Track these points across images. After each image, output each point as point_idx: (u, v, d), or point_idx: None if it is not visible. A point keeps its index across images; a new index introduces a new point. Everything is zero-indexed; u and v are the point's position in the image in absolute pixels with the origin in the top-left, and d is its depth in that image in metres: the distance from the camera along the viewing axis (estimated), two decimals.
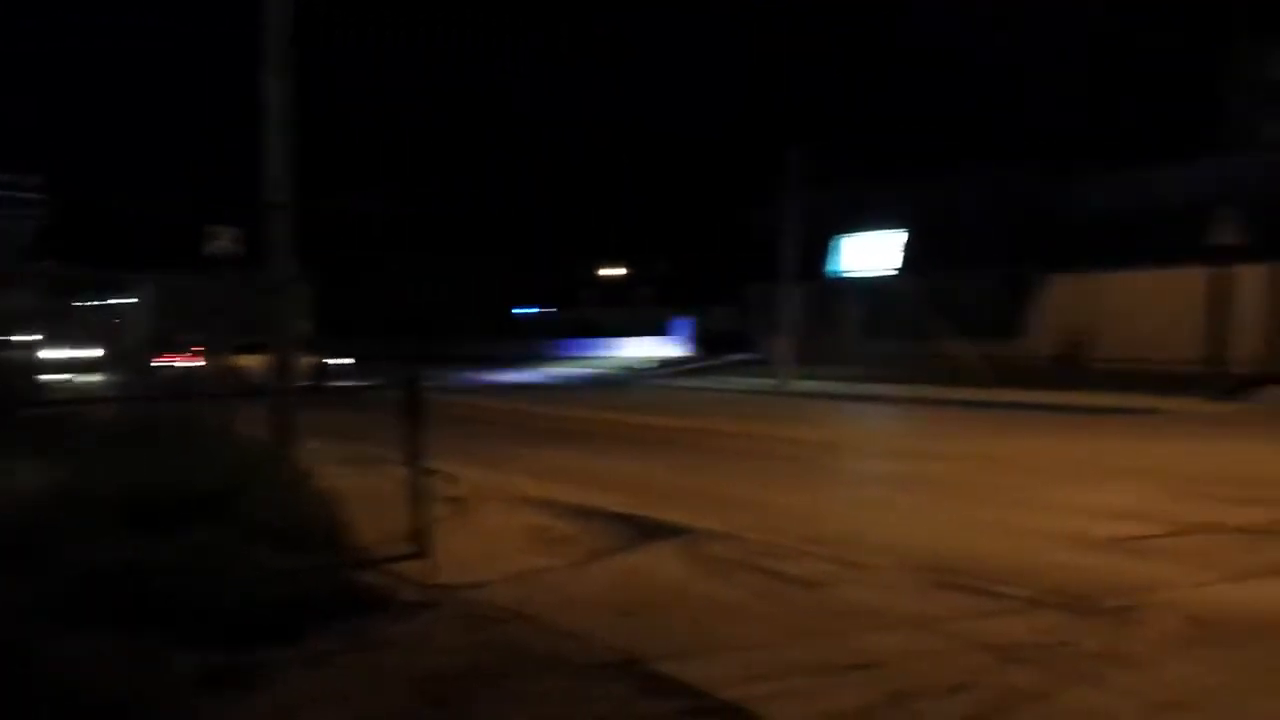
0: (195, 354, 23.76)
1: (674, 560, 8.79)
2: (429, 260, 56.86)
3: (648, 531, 9.72)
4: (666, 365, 42.45)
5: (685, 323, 49.07)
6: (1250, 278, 23.90)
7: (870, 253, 37.56)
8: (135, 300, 28.72)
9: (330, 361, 33.16)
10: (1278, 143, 32.72)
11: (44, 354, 21.98)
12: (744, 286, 41.21)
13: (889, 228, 36.68)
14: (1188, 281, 23.97)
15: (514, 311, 65.20)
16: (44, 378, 18.29)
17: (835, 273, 38.39)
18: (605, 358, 48.17)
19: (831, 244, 38.31)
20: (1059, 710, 5.49)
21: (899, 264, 36.24)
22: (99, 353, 25.63)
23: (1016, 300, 31.46)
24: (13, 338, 19.15)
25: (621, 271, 63.99)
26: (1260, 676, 5.92)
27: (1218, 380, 22.41)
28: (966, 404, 23.98)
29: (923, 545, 9.30)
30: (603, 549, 9.14)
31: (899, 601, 7.52)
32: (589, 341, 51.88)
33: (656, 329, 49.80)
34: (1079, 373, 26.50)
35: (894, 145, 42.55)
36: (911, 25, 47.43)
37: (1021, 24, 46.08)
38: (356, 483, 9.77)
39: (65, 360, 23.71)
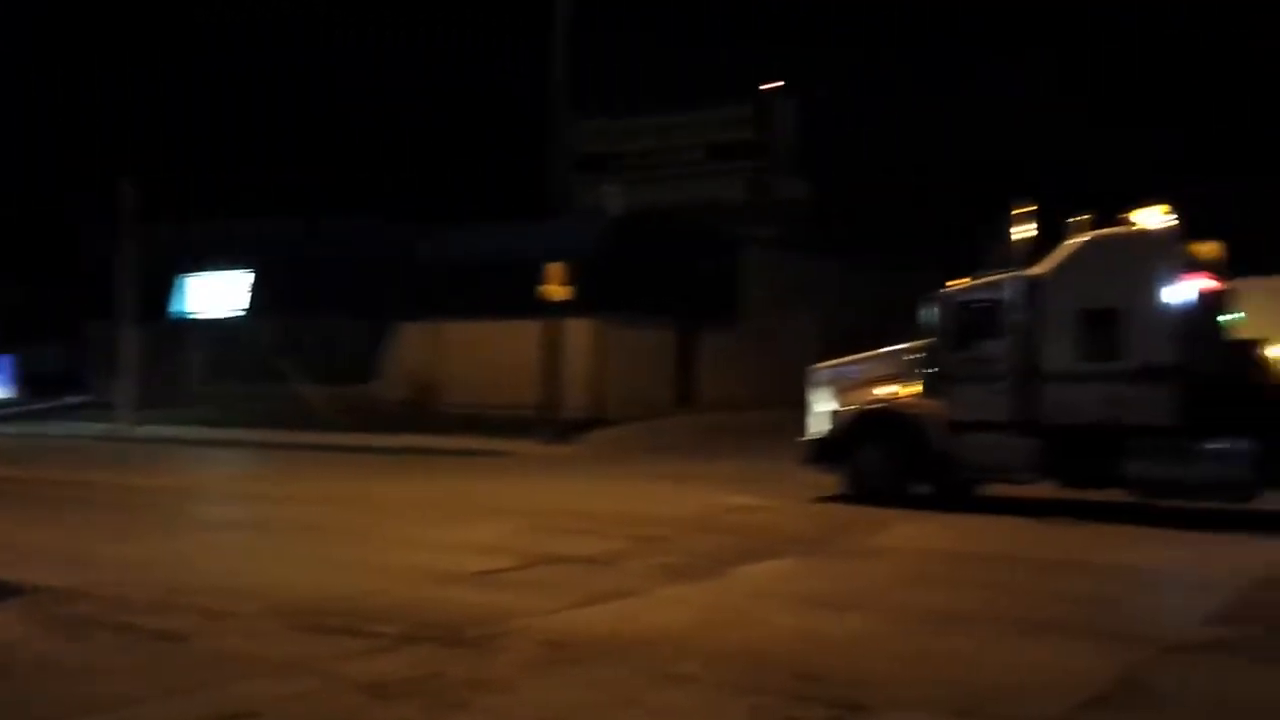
0: None
1: (19, 623, 7.91)
2: None
3: None
4: None
5: (4, 362, 44.06)
6: (577, 330, 26.41)
7: (218, 293, 36.42)
8: None
9: None
10: (592, 209, 36.65)
11: None
12: (80, 324, 38.05)
13: (238, 267, 35.85)
14: (524, 332, 25.88)
15: None
16: None
17: (181, 312, 36.72)
18: None
19: (177, 282, 36.64)
20: None
21: (247, 305, 35.51)
22: None
23: (371, 345, 32.08)
24: None
25: None
26: (611, 690, 6.53)
27: (552, 425, 24.44)
28: (323, 448, 24.01)
29: (290, 589, 9.19)
30: None
31: (271, 647, 7.38)
32: None
33: None
34: (430, 417, 27.59)
35: (247, 184, 41.81)
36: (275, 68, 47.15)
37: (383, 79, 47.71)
38: None
39: None
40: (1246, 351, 14.63)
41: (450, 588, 9.42)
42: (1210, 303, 14.36)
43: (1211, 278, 14.40)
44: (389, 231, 33.39)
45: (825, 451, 15.52)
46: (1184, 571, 11.13)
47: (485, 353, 29.06)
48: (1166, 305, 13.56)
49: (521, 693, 6.45)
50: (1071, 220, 14.64)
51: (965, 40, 44.75)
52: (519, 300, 25.43)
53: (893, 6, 46.01)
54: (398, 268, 31.73)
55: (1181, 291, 13.63)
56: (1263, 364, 14.57)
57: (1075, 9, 44.60)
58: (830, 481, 15.50)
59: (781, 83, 47.14)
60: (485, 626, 7.89)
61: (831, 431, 15.50)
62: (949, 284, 15.22)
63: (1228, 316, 15.55)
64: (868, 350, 16.16)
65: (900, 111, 44.54)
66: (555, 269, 24.68)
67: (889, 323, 18.49)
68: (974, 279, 15.07)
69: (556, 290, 24.58)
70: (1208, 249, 14.44)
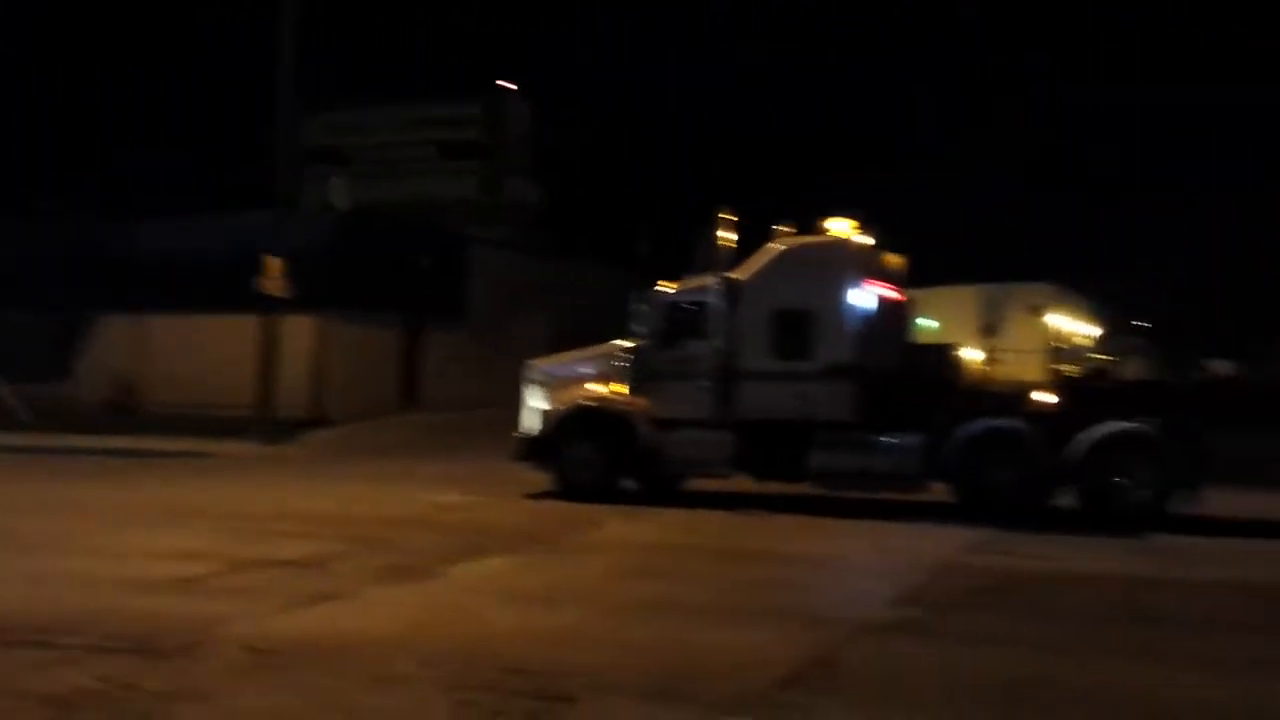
0: None
1: None
2: None
3: None
4: None
5: None
6: (296, 328, 25.63)
7: None
8: None
9: None
10: (317, 204, 35.67)
11: None
12: None
13: None
14: (240, 329, 24.93)
15: None
16: None
17: None
18: None
19: None
20: None
21: None
22: None
23: (65, 342, 30.14)
24: None
25: None
26: (316, 695, 6.45)
27: (269, 424, 23.65)
28: (13, 449, 22.36)
29: None
30: None
31: None
32: None
33: None
34: (133, 417, 26.21)
35: None
36: None
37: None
38: None
39: None
40: (932, 354, 15.86)
41: (148, 596, 9.05)
42: (892, 309, 15.50)
43: (893, 286, 15.55)
44: (92, 223, 31.43)
45: (537, 448, 15.77)
46: (869, 559, 11.98)
47: (197, 350, 27.85)
48: (851, 309, 14.55)
49: (220, 701, 6.30)
50: (775, 227, 15.46)
51: (699, 47, 46.19)
52: (236, 296, 24.49)
53: (627, 16, 47.05)
54: (100, 261, 29.93)
55: (864, 297, 14.66)
56: (953, 366, 15.83)
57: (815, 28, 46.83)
58: (545, 478, 15.73)
59: (515, 86, 47.29)
60: (184, 635, 7.63)
61: (543, 429, 15.75)
62: (660, 285, 15.76)
63: (918, 322, 16.79)
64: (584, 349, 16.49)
65: (632, 117, 45.71)
66: (273, 263, 23.89)
67: (614, 323, 18.95)
68: (682, 281, 15.67)
69: (274, 285, 23.80)
70: (893, 260, 15.59)
